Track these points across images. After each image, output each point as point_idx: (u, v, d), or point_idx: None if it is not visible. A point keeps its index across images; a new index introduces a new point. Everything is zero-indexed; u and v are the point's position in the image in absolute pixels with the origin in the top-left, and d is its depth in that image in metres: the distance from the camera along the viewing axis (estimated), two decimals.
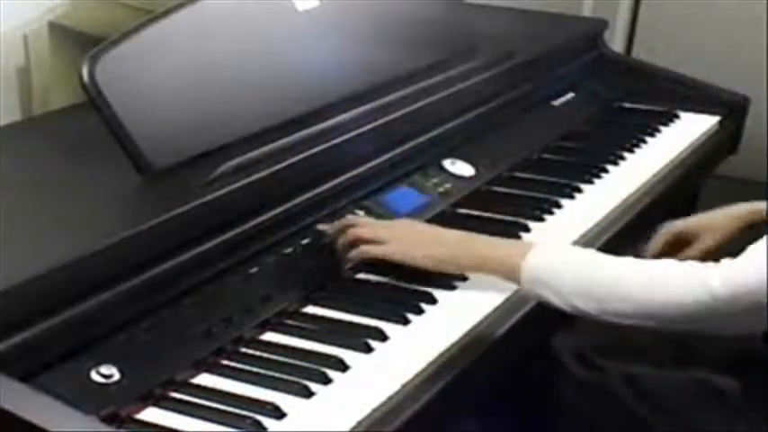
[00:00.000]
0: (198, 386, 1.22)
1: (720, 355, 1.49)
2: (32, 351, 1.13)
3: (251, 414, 1.16)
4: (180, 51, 1.49)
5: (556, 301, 1.34)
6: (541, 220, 1.71)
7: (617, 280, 1.31)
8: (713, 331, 1.30)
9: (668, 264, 1.31)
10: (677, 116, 2.21)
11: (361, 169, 1.61)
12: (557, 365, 1.55)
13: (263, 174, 1.44)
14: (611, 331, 1.56)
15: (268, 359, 1.28)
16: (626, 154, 2.01)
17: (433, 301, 1.42)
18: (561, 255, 1.37)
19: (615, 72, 2.31)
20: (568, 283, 1.33)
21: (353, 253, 1.46)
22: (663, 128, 2.15)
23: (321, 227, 1.51)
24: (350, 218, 1.52)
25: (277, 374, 1.24)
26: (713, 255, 1.62)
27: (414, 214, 1.63)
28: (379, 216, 1.58)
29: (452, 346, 1.33)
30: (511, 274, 1.38)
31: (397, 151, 1.69)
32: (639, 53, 2.70)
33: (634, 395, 1.43)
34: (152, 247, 1.28)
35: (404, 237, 1.46)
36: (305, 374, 1.23)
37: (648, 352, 1.44)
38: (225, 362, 1.27)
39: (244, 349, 1.30)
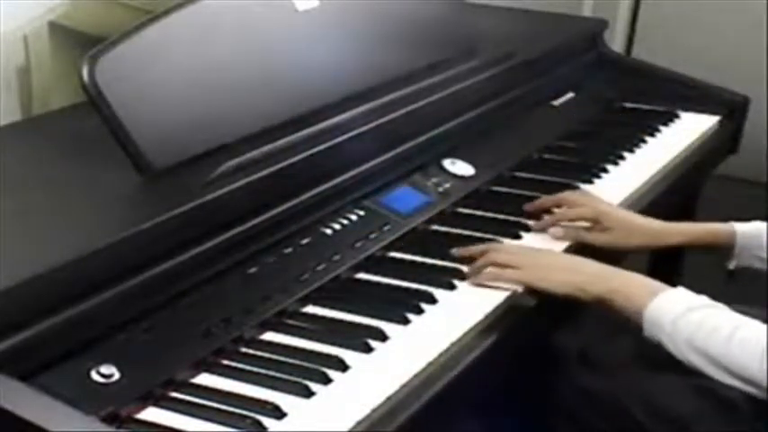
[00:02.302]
0: (198, 386, 1.22)
1: None
2: (32, 351, 1.13)
3: (251, 414, 1.16)
4: (180, 51, 1.49)
5: (673, 350, 1.37)
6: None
7: (732, 353, 1.32)
8: None
9: None
10: (677, 116, 2.21)
11: (361, 169, 1.61)
12: (558, 365, 1.55)
13: (263, 174, 1.44)
14: (612, 334, 1.56)
15: (268, 359, 1.27)
16: (626, 154, 2.01)
17: (433, 301, 1.42)
18: (684, 306, 1.37)
19: (615, 72, 2.31)
20: (686, 338, 1.35)
21: (484, 275, 1.47)
22: (663, 128, 2.15)
23: (455, 251, 1.53)
24: (486, 245, 1.54)
25: (277, 374, 1.24)
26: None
27: (414, 214, 1.63)
28: (378, 215, 1.58)
29: (452, 345, 1.33)
30: (635, 313, 1.40)
31: (397, 151, 1.69)
32: (639, 53, 2.71)
33: (636, 401, 1.42)
34: (152, 247, 1.28)
35: (540, 262, 1.48)
36: (305, 374, 1.23)
37: (651, 356, 1.44)
38: (225, 362, 1.27)
39: (244, 349, 1.29)
